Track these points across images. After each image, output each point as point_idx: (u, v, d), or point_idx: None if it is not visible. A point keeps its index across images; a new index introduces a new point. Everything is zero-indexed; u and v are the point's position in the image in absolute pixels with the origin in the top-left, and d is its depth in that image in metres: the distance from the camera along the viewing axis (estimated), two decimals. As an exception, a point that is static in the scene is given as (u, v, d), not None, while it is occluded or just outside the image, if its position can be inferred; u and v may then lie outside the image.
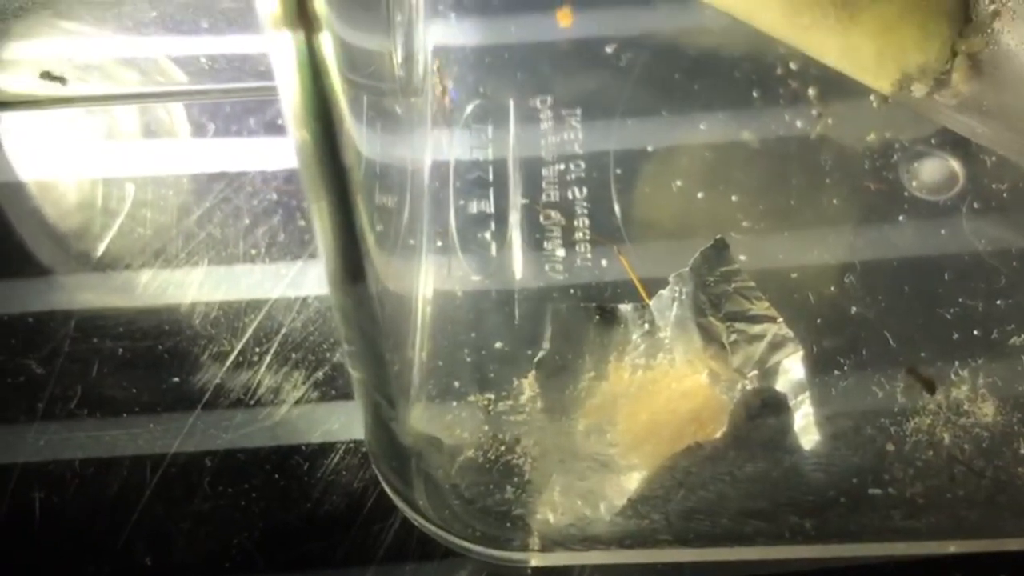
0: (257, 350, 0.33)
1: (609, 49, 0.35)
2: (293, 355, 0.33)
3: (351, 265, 0.23)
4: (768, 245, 0.32)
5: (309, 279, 0.34)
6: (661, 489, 0.27)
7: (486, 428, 0.30)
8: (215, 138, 0.36)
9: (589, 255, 0.32)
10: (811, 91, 0.34)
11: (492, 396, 0.30)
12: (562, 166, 0.33)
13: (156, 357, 0.33)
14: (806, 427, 0.28)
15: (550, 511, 0.29)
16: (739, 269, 0.29)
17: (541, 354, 0.30)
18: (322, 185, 0.22)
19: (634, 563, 0.28)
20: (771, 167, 0.34)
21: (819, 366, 0.29)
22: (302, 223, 0.35)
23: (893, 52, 0.30)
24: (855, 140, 0.33)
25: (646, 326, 0.30)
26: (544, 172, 0.33)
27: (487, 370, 0.31)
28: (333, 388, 0.32)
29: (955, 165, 0.33)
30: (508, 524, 0.29)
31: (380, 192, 0.25)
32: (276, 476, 0.31)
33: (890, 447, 0.28)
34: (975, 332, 0.30)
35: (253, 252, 0.34)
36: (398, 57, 0.28)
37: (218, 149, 0.36)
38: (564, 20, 0.34)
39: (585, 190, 0.33)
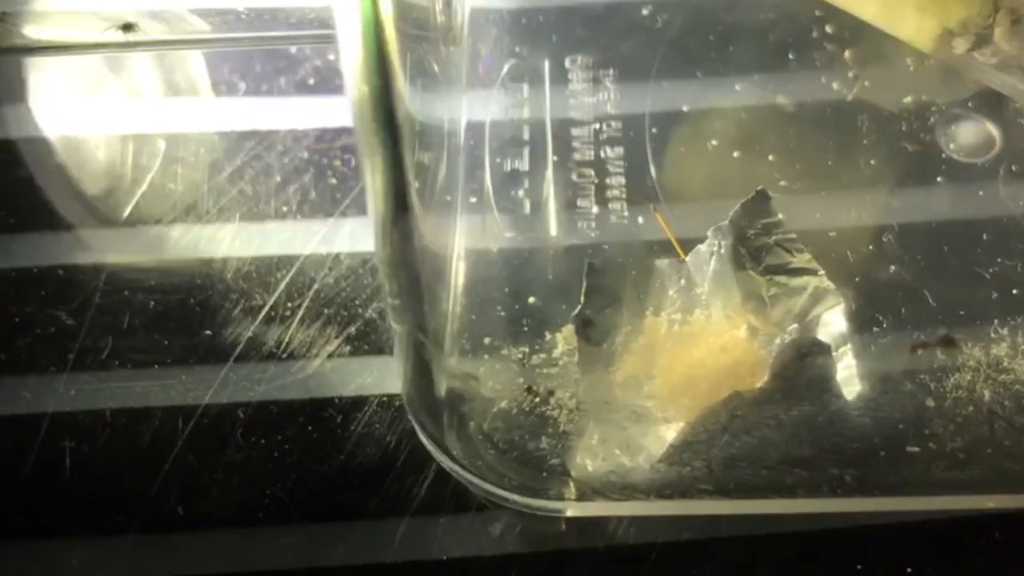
0: (289, 305, 0.33)
1: (645, 11, 0.35)
2: (325, 310, 0.33)
3: (400, 220, 0.23)
4: (806, 205, 0.32)
5: (340, 236, 0.34)
6: (705, 434, 0.26)
7: (520, 380, 0.30)
8: (246, 97, 0.36)
9: (625, 213, 0.32)
10: (847, 54, 0.34)
11: (526, 350, 0.30)
12: (597, 126, 0.33)
13: (188, 310, 0.32)
14: (848, 378, 0.27)
15: (587, 460, 0.28)
16: (781, 220, 0.29)
17: (577, 309, 0.30)
18: (378, 140, 0.22)
19: (671, 515, 0.28)
20: (808, 129, 0.33)
21: (858, 324, 0.29)
22: (333, 181, 0.35)
23: (934, 7, 0.30)
24: (892, 103, 0.33)
25: (683, 281, 0.30)
26: (579, 132, 0.33)
27: (521, 325, 0.31)
28: (366, 343, 0.32)
29: (992, 128, 0.33)
30: (544, 473, 0.28)
31: (419, 149, 0.25)
32: (309, 428, 0.31)
33: (931, 403, 0.28)
34: (1013, 291, 0.30)
35: (284, 209, 0.34)
36: (438, 3, 0.28)
37: (249, 107, 0.36)
38: (601, -20, 0.34)
39: (620, 149, 0.33)
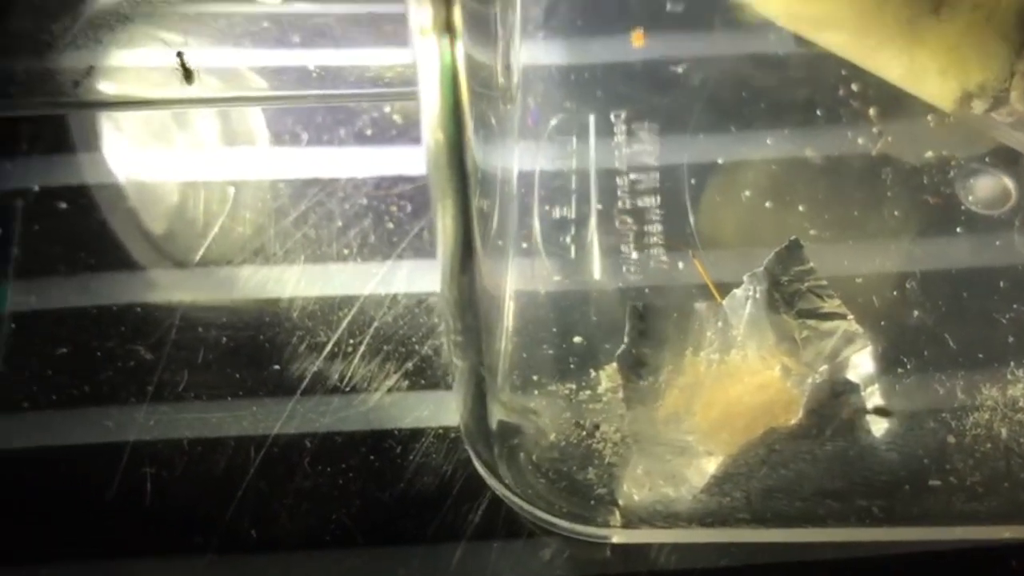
0: (351, 342, 0.35)
1: (681, 69, 0.37)
2: (384, 347, 0.35)
3: (467, 261, 0.26)
4: (834, 253, 0.34)
5: (398, 277, 0.36)
6: (746, 466, 0.29)
7: (568, 415, 0.32)
8: (308, 147, 0.39)
9: (664, 258, 0.34)
10: (872, 111, 0.36)
11: (573, 386, 0.32)
12: (638, 176, 0.35)
13: (257, 346, 0.35)
14: (876, 416, 0.30)
15: (633, 490, 0.31)
16: (812, 268, 0.31)
17: (621, 348, 0.32)
18: (450, 186, 0.24)
19: (712, 542, 0.30)
20: (835, 181, 0.36)
21: (884, 365, 0.32)
22: (390, 226, 0.37)
23: (955, 71, 0.32)
24: (914, 157, 0.36)
25: (720, 323, 0.32)
26: (622, 182, 0.35)
27: (568, 362, 0.33)
28: (422, 378, 0.34)
29: (1008, 182, 0.35)
30: (592, 502, 0.31)
31: (480, 196, 0.27)
32: (371, 458, 0.33)
33: (951, 439, 0.30)
34: (1029, 336, 0.32)
35: (345, 252, 0.37)
36: (499, 67, 0.31)
37: (311, 157, 0.39)
38: (638, 41, 0.36)
39: (660, 199, 0.35)
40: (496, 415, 0.32)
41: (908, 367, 0.32)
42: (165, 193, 0.38)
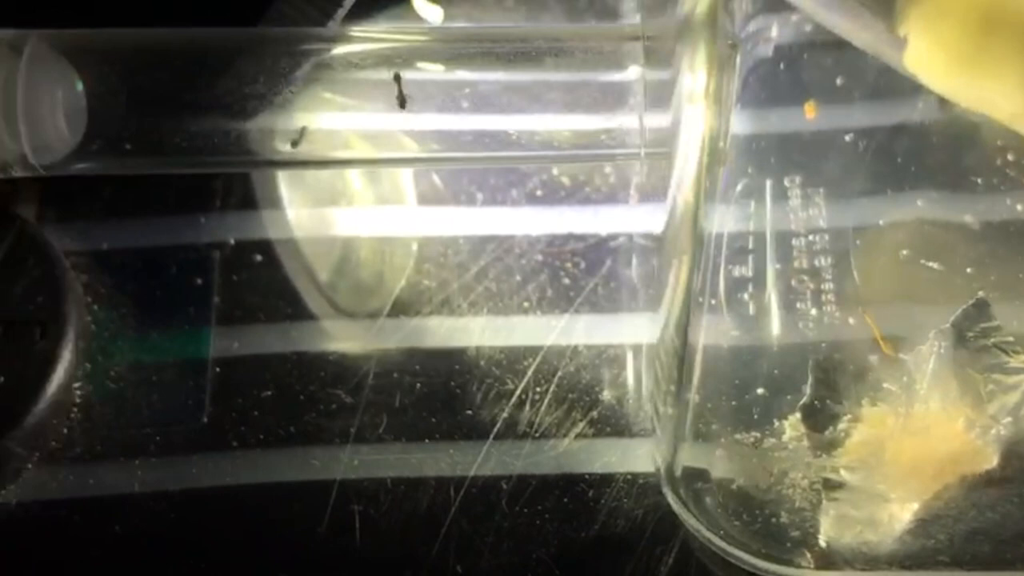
0: (537, 390, 0.37)
1: (848, 138, 0.39)
2: (569, 395, 0.37)
3: (688, 315, 0.28)
4: (1002, 312, 0.36)
5: (577, 330, 0.38)
6: (955, 509, 0.30)
7: (754, 461, 0.34)
8: (483, 206, 0.41)
9: (837, 314, 0.36)
10: (1030, 179, 0.38)
11: (757, 434, 0.34)
12: (810, 237, 0.37)
13: (449, 392, 0.37)
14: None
15: (825, 534, 0.32)
16: (999, 326, 0.33)
17: (803, 399, 0.34)
18: (689, 243, 0.26)
19: (909, 585, 0.32)
20: (996, 244, 0.38)
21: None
22: (566, 281, 0.39)
23: None
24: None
25: (904, 378, 0.34)
26: (796, 242, 0.37)
27: (751, 413, 0.35)
28: (607, 426, 0.36)
29: None
30: (787, 544, 0.32)
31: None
32: (564, 500, 0.35)
33: None
34: None
35: (525, 304, 0.39)
36: (722, 133, 0.33)
37: (487, 216, 0.41)
38: (810, 112, 0.39)
39: (830, 259, 0.37)
40: (682, 461, 0.34)
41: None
42: (354, 247, 0.40)
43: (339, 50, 0.34)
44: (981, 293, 0.37)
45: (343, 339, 0.38)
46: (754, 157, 0.39)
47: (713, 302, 0.36)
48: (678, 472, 0.34)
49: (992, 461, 0.31)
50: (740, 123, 0.39)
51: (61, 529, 0.34)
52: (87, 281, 0.39)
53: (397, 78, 0.35)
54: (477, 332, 0.38)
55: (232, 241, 0.40)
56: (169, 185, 0.41)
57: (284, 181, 0.42)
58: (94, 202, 0.40)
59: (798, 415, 0.35)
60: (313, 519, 0.34)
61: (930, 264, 0.37)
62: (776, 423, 0.34)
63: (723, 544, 0.32)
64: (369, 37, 0.34)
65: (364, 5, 0.38)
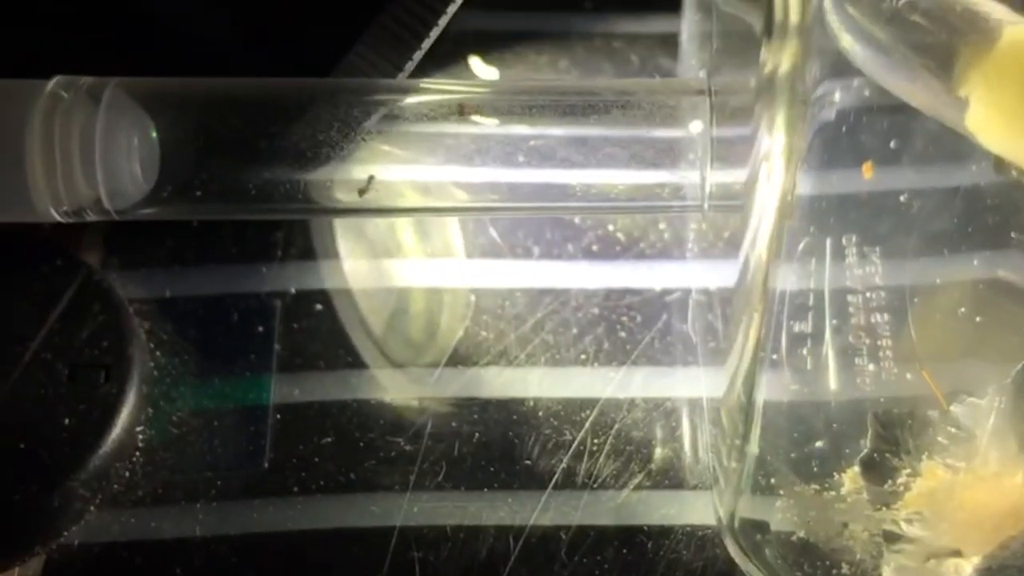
0: (595, 441, 0.37)
1: (902, 198, 0.40)
2: (627, 448, 0.37)
3: (756, 371, 0.28)
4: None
5: (634, 383, 0.39)
6: (1017, 561, 0.30)
7: (812, 514, 0.34)
8: (539, 260, 0.42)
9: (895, 370, 0.37)
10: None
11: (816, 487, 0.34)
12: (867, 295, 0.38)
13: (507, 442, 0.37)
14: None
15: (893, 587, 0.32)
16: (1061, 382, 0.33)
17: (863, 452, 0.34)
18: (760, 300, 0.27)
19: (972, 639, 0.32)
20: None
21: None
22: (622, 335, 0.40)
23: None
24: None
25: (962, 433, 0.34)
26: (853, 299, 0.38)
27: (810, 465, 0.35)
28: (665, 479, 0.37)
29: None
30: (852, 596, 0.32)
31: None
32: (624, 551, 0.35)
33: None
34: None
35: (583, 357, 0.39)
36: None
37: (543, 269, 0.42)
38: (867, 172, 0.39)
39: (887, 316, 0.38)
40: (742, 512, 0.34)
41: None
42: (412, 298, 0.41)
43: (410, 100, 0.35)
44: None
45: (402, 388, 0.38)
46: (815, 217, 0.39)
47: (775, 357, 0.36)
48: (737, 524, 0.34)
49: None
50: (803, 184, 0.39)
51: (122, 572, 0.35)
52: (150, 327, 0.39)
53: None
54: (535, 383, 0.38)
55: (293, 290, 0.41)
56: (231, 235, 0.41)
57: (341, 233, 0.43)
58: (158, 250, 0.41)
59: (857, 468, 0.35)
60: (373, 566, 0.34)
61: (987, 322, 0.37)
62: (835, 476, 0.35)
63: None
64: (440, 88, 0.35)
65: (429, 62, 0.39)
